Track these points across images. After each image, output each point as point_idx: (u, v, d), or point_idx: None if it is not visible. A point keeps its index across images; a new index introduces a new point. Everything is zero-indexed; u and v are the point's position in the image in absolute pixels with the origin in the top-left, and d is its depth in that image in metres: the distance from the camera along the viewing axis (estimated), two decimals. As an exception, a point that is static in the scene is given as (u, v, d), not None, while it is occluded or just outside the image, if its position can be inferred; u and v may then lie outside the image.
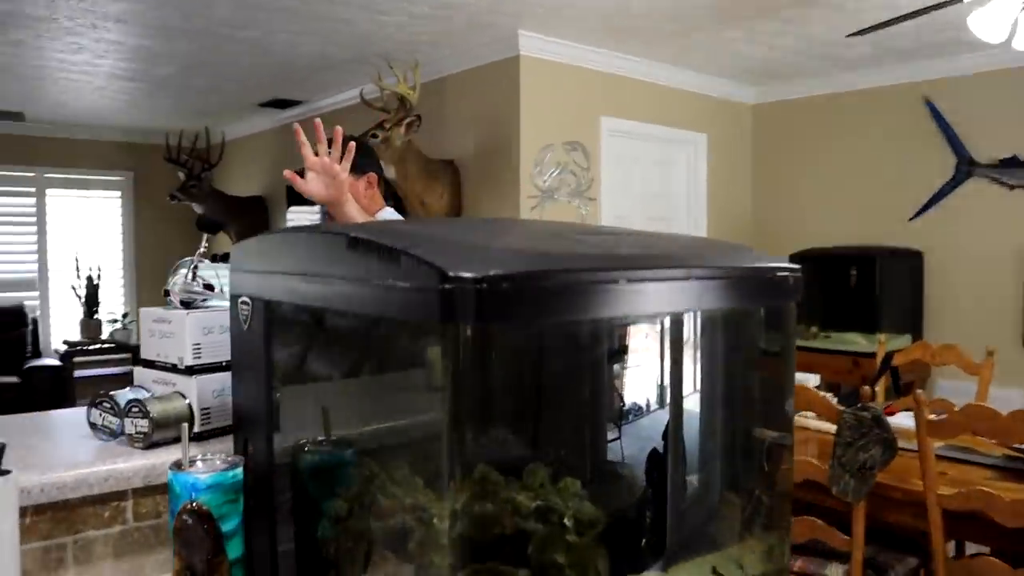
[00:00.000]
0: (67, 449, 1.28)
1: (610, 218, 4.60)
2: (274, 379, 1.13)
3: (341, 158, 1.74)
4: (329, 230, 1.01)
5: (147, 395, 1.33)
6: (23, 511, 1.14)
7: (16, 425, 1.43)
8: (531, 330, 0.92)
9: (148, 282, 7.07)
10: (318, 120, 1.71)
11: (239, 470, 1.08)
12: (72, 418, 1.46)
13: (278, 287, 1.10)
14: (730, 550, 1.11)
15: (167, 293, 1.37)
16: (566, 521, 0.99)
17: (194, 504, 1.02)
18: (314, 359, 1.18)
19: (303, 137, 1.74)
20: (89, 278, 6.66)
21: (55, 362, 6.24)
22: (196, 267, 1.36)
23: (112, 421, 1.30)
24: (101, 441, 1.31)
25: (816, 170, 5.12)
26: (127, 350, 6.61)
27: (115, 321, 6.74)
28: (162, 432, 1.26)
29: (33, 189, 6.76)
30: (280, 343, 1.13)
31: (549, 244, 0.98)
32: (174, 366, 1.31)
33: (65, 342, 6.54)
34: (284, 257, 1.09)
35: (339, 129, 1.76)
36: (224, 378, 1.34)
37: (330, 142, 1.75)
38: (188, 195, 5.97)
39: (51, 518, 1.18)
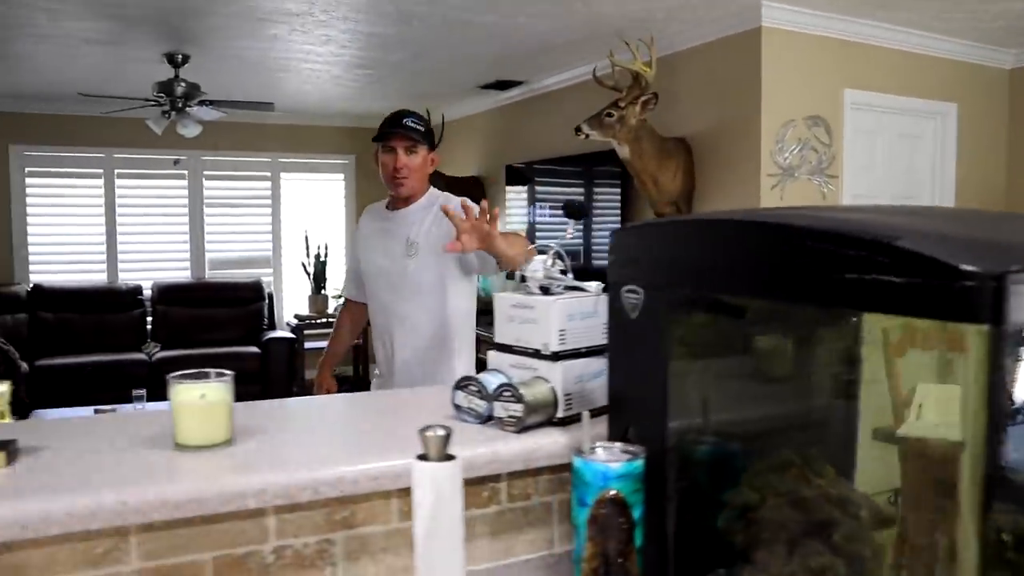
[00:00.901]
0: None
1: (851, 197, 4.36)
2: (667, 367, 1.12)
3: (488, 222, 2.03)
4: (765, 220, 0.98)
5: (504, 380, 1.36)
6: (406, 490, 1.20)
7: (377, 405, 1.51)
8: None
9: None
10: (466, 200, 2.08)
11: (642, 460, 1.08)
12: (430, 400, 1.53)
13: (681, 276, 1.08)
14: None
15: (523, 279, 1.40)
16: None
17: (613, 493, 1.03)
18: (718, 348, 1.16)
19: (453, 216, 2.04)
20: (317, 256, 7.10)
21: (288, 335, 6.71)
22: (559, 253, 1.38)
23: (479, 404, 1.34)
24: (465, 423, 1.36)
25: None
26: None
27: (339, 297, 7.15)
28: (533, 417, 1.29)
29: (268, 173, 7.28)
30: (674, 333, 1.12)
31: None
32: (536, 352, 1.34)
33: (296, 316, 7.02)
34: (691, 247, 1.07)
35: (474, 206, 2.04)
36: (584, 364, 1.35)
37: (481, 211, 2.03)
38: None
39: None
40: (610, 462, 1.06)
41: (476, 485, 1.25)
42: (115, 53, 4.79)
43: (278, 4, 3.89)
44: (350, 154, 7.44)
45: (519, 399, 1.29)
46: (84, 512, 1.00)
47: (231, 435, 1.21)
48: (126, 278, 6.90)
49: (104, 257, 6.88)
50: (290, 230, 7.34)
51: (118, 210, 6.87)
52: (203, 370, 1.20)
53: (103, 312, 6.59)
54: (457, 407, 1.37)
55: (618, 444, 1.11)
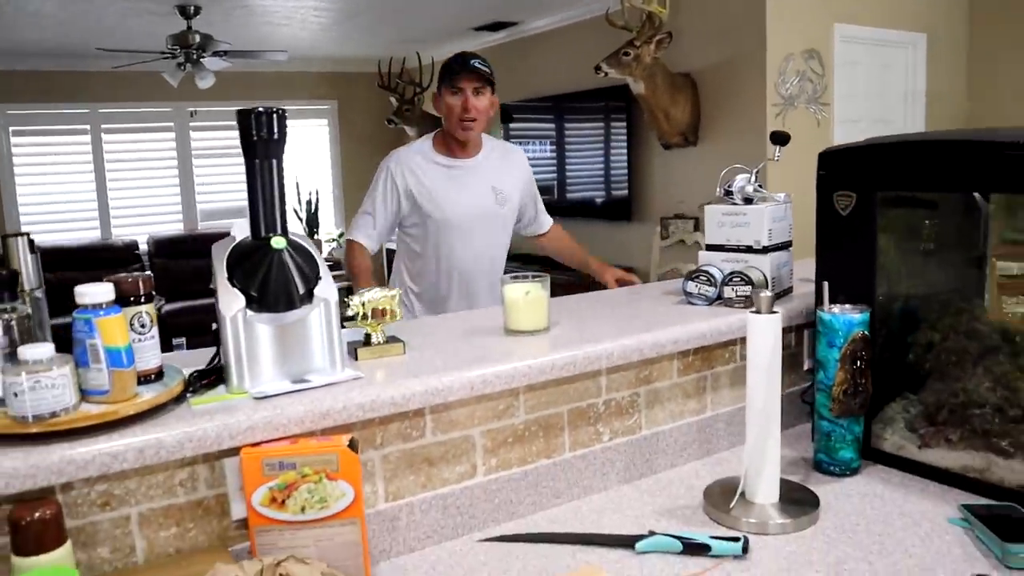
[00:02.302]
0: (671, 315, 1.73)
1: (839, 122, 4.83)
2: (875, 248, 1.53)
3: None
4: (968, 138, 1.39)
5: (730, 270, 1.76)
6: (685, 353, 1.61)
7: (615, 299, 1.90)
8: None
9: (355, 203, 7.67)
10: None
11: (869, 312, 1.50)
12: (647, 292, 1.93)
13: (890, 182, 1.49)
14: None
15: (728, 192, 1.79)
16: None
17: (862, 333, 1.45)
18: (912, 233, 1.58)
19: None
20: (309, 202, 7.31)
21: (290, 279, 6.94)
22: (759, 171, 1.77)
23: (708, 290, 1.74)
24: (693, 305, 1.76)
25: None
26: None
27: (332, 240, 7.40)
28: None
29: (254, 121, 7.41)
30: (879, 223, 1.53)
31: None
32: (749, 247, 1.74)
33: (294, 261, 7.25)
34: (903, 160, 1.48)
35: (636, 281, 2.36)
36: (781, 255, 1.76)
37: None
38: (403, 119, 6.47)
39: (700, 358, 1.64)
40: (852, 313, 1.48)
41: (723, 347, 1.66)
42: (127, 6, 4.89)
43: None
44: (332, 100, 7.61)
45: (748, 282, 1.69)
46: (490, 378, 1.36)
47: (548, 323, 1.58)
48: (120, 234, 6.99)
49: (96, 214, 6.94)
50: (280, 177, 7.51)
51: (106, 166, 6.92)
52: (524, 272, 1.56)
53: (101, 269, 6.68)
54: (688, 293, 1.77)
55: (846, 305, 1.53)
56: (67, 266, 6.59)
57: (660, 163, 5.17)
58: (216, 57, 5.18)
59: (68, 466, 1.05)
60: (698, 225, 4.91)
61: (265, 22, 5.55)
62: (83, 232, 6.91)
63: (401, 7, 5.41)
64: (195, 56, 5.07)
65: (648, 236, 5.20)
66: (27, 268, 1.24)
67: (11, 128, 6.62)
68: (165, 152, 7.16)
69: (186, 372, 1.28)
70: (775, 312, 1.35)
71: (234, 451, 1.16)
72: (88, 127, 6.85)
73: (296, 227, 7.39)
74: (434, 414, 1.33)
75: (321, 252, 7.10)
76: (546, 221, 2.77)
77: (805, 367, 1.78)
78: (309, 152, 7.72)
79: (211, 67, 5.24)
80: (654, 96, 4.64)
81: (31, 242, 1.25)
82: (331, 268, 6.66)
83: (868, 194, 1.53)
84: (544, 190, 6.12)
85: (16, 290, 1.15)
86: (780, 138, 1.73)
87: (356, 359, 1.40)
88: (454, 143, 2.51)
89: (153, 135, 7.13)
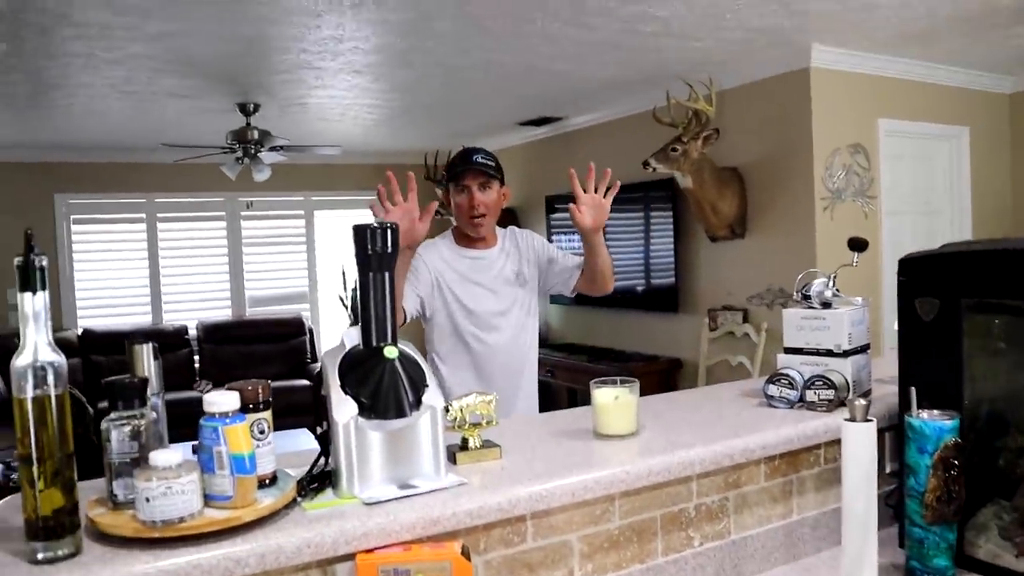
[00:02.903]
0: (754, 418, 1.75)
1: (889, 214, 4.88)
2: (962, 353, 1.55)
3: (605, 194, 2.32)
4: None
5: (798, 373, 1.78)
6: (771, 457, 1.62)
7: (691, 401, 1.93)
8: None
9: (399, 291, 7.78)
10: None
11: (958, 418, 1.51)
12: (724, 394, 1.95)
13: (975, 289, 1.52)
14: None
15: (806, 296, 1.82)
16: None
17: (954, 440, 1.46)
18: (996, 339, 1.60)
19: (576, 181, 2.27)
20: (354, 289, 7.42)
21: (335, 366, 7.01)
22: (835, 277, 1.81)
23: (789, 393, 1.76)
24: (774, 408, 1.77)
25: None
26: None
27: (379, 328, 7.49)
28: (837, 399, 1.72)
29: (302, 212, 7.61)
30: (964, 328, 1.55)
31: None
32: (829, 351, 1.77)
33: (338, 348, 7.33)
34: (988, 267, 1.51)
35: (607, 171, 2.30)
36: (860, 359, 1.79)
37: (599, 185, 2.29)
38: (448, 210, 6.64)
39: (786, 462, 1.65)
40: (942, 419, 1.49)
41: (808, 452, 1.67)
42: (190, 104, 5.12)
43: (337, 61, 4.28)
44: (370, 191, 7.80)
45: (830, 385, 1.71)
46: (590, 485, 1.38)
47: (637, 427, 1.60)
48: (170, 319, 7.14)
49: (148, 299, 7.12)
50: (325, 265, 7.66)
51: (160, 253, 7.13)
52: (613, 377, 1.60)
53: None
54: (769, 396, 1.79)
55: (935, 411, 1.54)
56: (119, 350, 6.70)
57: (707, 255, 5.22)
58: (273, 152, 5.37)
59: (194, 570, 1.08)
60: (747, 317, 4.92)
61: (319, 118, 5.77)
62: (135, 317, 7.06)
63: (451, 104, 5.61)
64: (253, 151, 5.27)
65: (696, 327, 5.22)
66: (152, 374, 1.30)
67: (72, 216, 6.86)
68: (216, 240, 7.36)
69: (292, 473, 1.32)
70: (870, 420, 1.37)
71: (348, 557, 1.19)
72: (144, 216, 7.08)
73: (341, 315, 7.49)
74: (535, 520, 1.35)
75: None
76: (574, 262, 2.64)
77: (887, 470, 1.78)
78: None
79: (267, 161, 5.44)
80: (701, 190, 4.73)
81: (156, 348, 1.31)
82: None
83: (952, 300, 1.56)
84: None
85: (145, 397, 1.21)
86: (858, 244, 1.77)
87: (455, 463, 1.43)
88: (471, 238, 2.53)
89: (205, 224, 7.34)
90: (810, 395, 1.74)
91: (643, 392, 1.65)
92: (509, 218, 6.93)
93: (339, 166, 7.58)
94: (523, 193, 6.95)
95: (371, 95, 5.18)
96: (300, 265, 7.66)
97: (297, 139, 6.14)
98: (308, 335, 7.32)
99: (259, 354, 7.04)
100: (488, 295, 2.50)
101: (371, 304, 1.33)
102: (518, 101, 5.62)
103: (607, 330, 6.12)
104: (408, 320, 2.39)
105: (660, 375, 5.39)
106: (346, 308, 7.48)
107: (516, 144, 7.02)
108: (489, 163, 2.46)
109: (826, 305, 1.80)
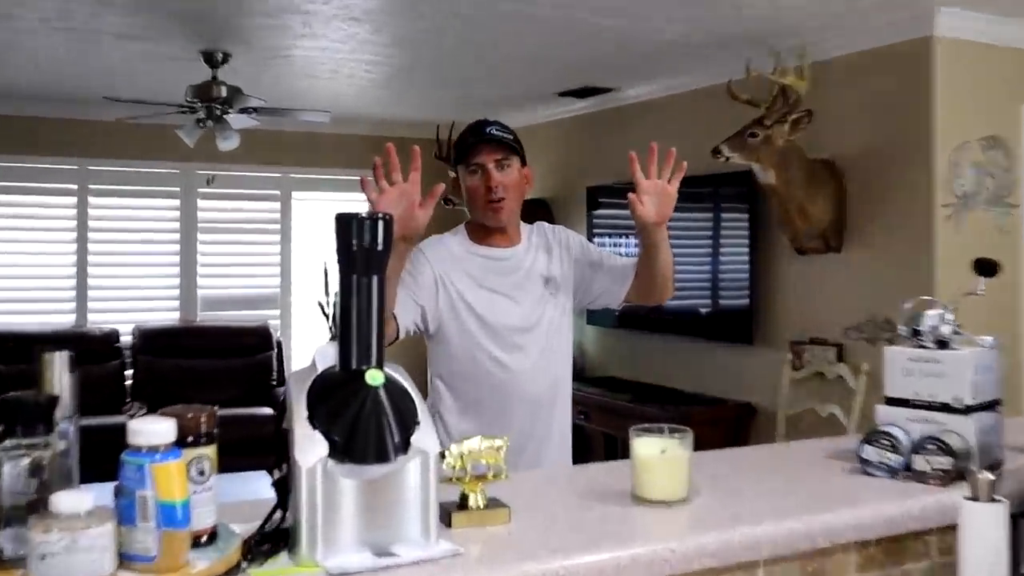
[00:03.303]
0: (844, 489, 1.71)
1: (1030, 229, 4.81)
2: None
3: (670, 179, 2.31)
4: None
5: (903, 432, 1.75)
6: (865, 543, 1.58)
7: (757, 460, 1.89)
8: None
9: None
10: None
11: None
12: (799, 454, 1.91)
13: None
14: None
15: (916, 331, 1.79)
16: None
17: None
18: None
19: (636, 166, 2.25)
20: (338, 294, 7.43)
21: (307, 391, 7.01)
22: (955, 308, 1.78)
23: (891, 458, 1.72)
24: (871, 476, 1.74)
25: None
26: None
27: (366, 344, 7.49)
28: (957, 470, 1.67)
29: (278, 192, 7.65)
30: None
31: None
32: (945, 405, 1.73)
33: (312, 368, 7.33)
34: None
35: (671, 151, 2.29)
36: (989, 417, 1.75)
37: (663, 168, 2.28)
38: (461, 198, 6.63)
39: (883, 549, 1.61)
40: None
41: (915, 538, 1.63)
42: (142, 48, 5.14)
43: (330, 3, 4.29)
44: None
45: (946, 450, 1.67)
46: (625, 564, 1.34)
47: (688, 491, 1.57)
48: (98, 320, 7.15)
49: (73, 294, 7.14)
50: (303, 262, 7.69)
51: (90, 235, 7.16)
52: (660, 424, 1.57)
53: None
54: (865, 461, 1.75)
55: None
56: (23, 357, 6.73)
57: (792, 272, 5.18)
58: (244, 115, 5.39)
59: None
60: (842, 354, 4.87)
61: (306, 75, 5.79)
62: (54, 316, 7.08)
63: (470, 65, 5.61)
64: (219, 112, 5.28)
65: (775, 365, 5.18)
66: (65, 391, 1.28)
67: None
68: (165, 223, 7.40)
69: (237, 529, 1.30)
70: (1000, 500, 1.33)
71: (304, 644, 1.16)
72: (75, 187, 7.12)
73: (322, 325, 7.50)
74: (549, 608, 1.32)
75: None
76: (629, 269, 2.64)
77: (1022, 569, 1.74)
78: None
79: (236, 125, 5.45)
80: (787, 188, 4.69)
81: (72, 358, 1.30)
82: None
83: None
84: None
85: (53, 420, 1.20)
86: (987, 268, 1.74)
87: (449, 526, 1.40)
88: (489, 231, 2.53)
89: (152, 201, 7.40)
90: (919, 462, 1.70)
91: (702, 446, 1.62)
92: (540, 213, 6.92)
93: (327, 137, 7.60)
94: (558, 181, 6.93)
95: (371, 49, 5.19)
96: (271, 260, 7.68)
97: (276, 100, 6.15)
98: (276, 350, 7.34)
99: (211, 372, 7.06)
100: (509, 305, 2.51)
101: (353, 315, 1.31)
102: (556, 66, 5.60)
103: (659, 362, 6.08)
104: (402, 336, 2.39)
105: (726, 425, 5.34)
106: (327, 318, 7.47)
107: (551, 120, 7.01)
108: (507, 135, 2.49)
109: (942, 344, 1.76)
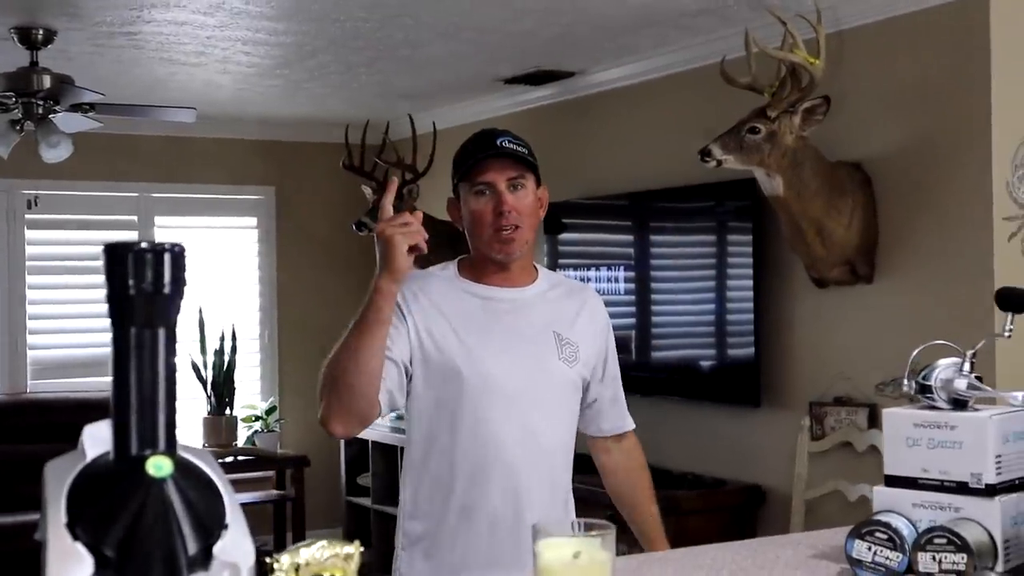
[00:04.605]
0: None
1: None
2: None
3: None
4: None
5: (906, 522, 1.75)
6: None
7: (725, 559, 1.89)
8: None
9: (296, 354, 7.75)
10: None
11: None
12: (777, 550, 1.91)
13: None
14: None
15: (925, 389, 1.79)
16: None
17: None
18: None
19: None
20: (219, 350, 7.40)
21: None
22: (973, 354, 1.78)
23: (891, 556, 1.72)
24: (864, 582, 1.74)
25: None
26: (271, 464, 7.30)
27: (256, 419, 7.45)
28: (975, 571, 1.67)
29: (134, 217, 7.62)
30: None
31: None
32: (961, 485, 1.73)
33: (183, 453, 7.27)
34: None
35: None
36: (1021, 500, 1.75)
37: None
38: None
39: None
40: None
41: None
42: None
43: None
44: (267, 187, 7.81)
45: (962, 547, 1.67)
46: None
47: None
48: None
49: None
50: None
51: None
52: (578, 519, 1.56)
53: None
54: (855, 561, 1.75)
55: None
56: None
57: (810, 310, 5.20)
58: (76, 113, 5.36)
59: None
60: (875, 418, 4.88)
61: (163, 59, 5.77)
62: None
63: (390, 46, 5.62)
64: (41, 110, 5.24)
65: (789, 433, 5.19)
66: None
67: None
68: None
69: None
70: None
71: None
72: None
73: (195, 394, 7.44)
74: None
75: (236, 438, 7.13)
76: (627, 418, 2.95)
77: None
78: (224, 268, 7.89)
79: (67, 128, 5.42)
80: (799, 200, 4.71)
81: None
82: (254, 464, 6.71)
83: None
84: (618, 345, 6.17)
85: None
86: (1014, 300, 1.75)
87: (279, 666, 1.38)
88: (492, 268, 2.66)
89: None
90: (925, 562, 1.70)
91: (701, 539, 1.62)
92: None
93: (199, 143, 7.59)
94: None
95: (248, 23, 5.18)
96: (124, 307, 7.63)
97: (121, 94, 6.15)
98: (133, 429, 7.26)
99: (39, 460, 6.92)
100: (503, 351, 2.62)
101: (131, 381, 1.28)
102: (502, 44, 5.62)
103: (642, 432, 6.04)
104: (385, 412, 2.59)
105: (727, 513, 5.35)
106: (203, 383, 7.44)
107: (496, 116, 7.02)
108: (521, 148, 2.63)
109: (958, 403, 1.77)
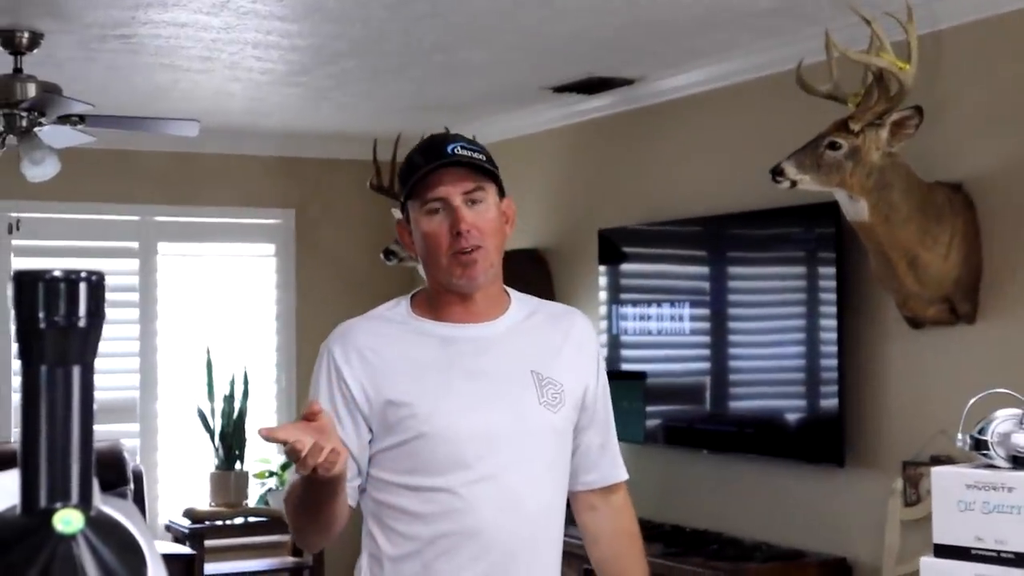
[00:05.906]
0: None
1: None
2: None
3: None
4: None
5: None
6: None
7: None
8: None
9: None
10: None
11: None
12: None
13: None
14: None
15: (980, 444, 1.79)
16: None
17: None
18: None
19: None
20: (229, 396, 7.45)
21: (178, 549, 6.98)
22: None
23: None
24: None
25: None
26: (287, 527, 7.30)
27: (270, 475, 7.48)
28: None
29: (135, 244, 7.71)
30: None
31: None
32: (1019, 556, 1.72)
33: (188, 513, 7.32)
34: None
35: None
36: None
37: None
38: (410, 250, 6.67)
39: None
40: None
41: None
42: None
43: None
44: (286, 209, 7.87)
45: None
46: None
47: None
48: None
49: None
50: (175, 347, 7.71)
51: None
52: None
53: None
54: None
55: None
56: None
57: (901, 354, 5.17)
58: (65, 125, 5.43)
59: None
60: (975, 480, 4.85)
61: (163, 64, 5.84)
62: None
63: (423, 51, 5.67)
64: (24, 121, 5.30)
65: (878, 497, 5.16)
66: None
67: None
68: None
69: None
70: None
71: None
72: None
73: (203, 447, 7.49)
74: None
75: (247, 496, 7.17)
76: (620, 467, 2.85)
77: None
78: (236, 302, 7.97)
79: (54, 142, 5.48)
80: (887, 225, 4.69)
81: None
82: (264, 527, 6.72)
83: None
84: (681, 393, 6.04)
85: None
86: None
87: None
88: (452, 301, 2.63)
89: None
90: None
91: None
92: (533, 267, 6.93)
93: (208, 160, 7.67)
94: (557, 222, 6.97)
95: (263, 25, 5.24)
96: (126, 348, 7.71)
97: (117, 104, 6.23)
98: (133, 483, 7.33)
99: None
100: (470, 402, 2.57)
101: (41, 425, 1.31)
102: (546, 48, 5.66)
103: (708, 495, 6.04)
104: (353, 505, 2.58)
105: (808, 591, 5.33)
106: (211, 434, 7.50)
107: (545, 129, 7.07)
108: (476, 154, 2.59)
109: (1018, 461, 1.76)
